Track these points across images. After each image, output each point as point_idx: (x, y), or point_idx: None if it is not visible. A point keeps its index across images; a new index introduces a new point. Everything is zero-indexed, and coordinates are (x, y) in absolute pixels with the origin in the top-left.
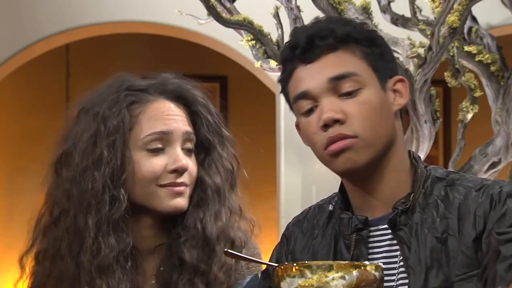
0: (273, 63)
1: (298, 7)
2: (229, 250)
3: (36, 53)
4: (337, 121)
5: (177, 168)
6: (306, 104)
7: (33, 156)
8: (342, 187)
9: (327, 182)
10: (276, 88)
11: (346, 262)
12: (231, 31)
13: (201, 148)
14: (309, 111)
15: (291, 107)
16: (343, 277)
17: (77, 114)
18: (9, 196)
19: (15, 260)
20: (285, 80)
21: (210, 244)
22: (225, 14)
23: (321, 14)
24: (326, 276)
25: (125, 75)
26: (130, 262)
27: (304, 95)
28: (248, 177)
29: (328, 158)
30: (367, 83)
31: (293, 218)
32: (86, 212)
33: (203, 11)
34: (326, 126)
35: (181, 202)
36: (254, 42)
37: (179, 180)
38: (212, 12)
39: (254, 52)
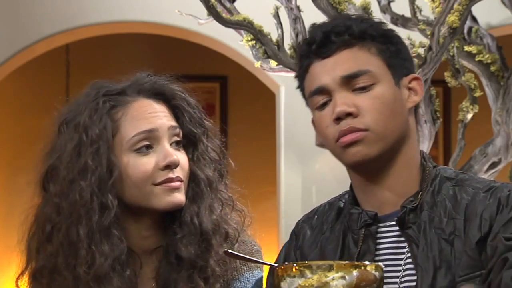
0: (273, 63)
1: (298, 7)
2: (229, 250)
3: (36, 53)
4: (349, 115)
5: (169, 164)
6: (320, 99)
7: (33, 156)
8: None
9: (327, 182)
10: (276, 88)
11: (346, 262)
12: (231, 31)
13: (188, 142)
14: (323, 105)
15: (307, 103)
16: (343, 277)
17: (58, 128)
18: (9, 196)
19: (15, 260)
20: (301, 76)
21: (207, 238)
22: (225, 14)
23: (321, 14)
24: (326, 276)
25: (100, 82)
26: (128, 269)
27: (319, 91)
28: (246, 179)
29: (340, 150)
30: (381, 79)
31: (303, 216)
32: (77, 223)
33: (203, 11)
34: (338, 119)
35: (179, 196)
36: (254, 42)
37: (173, 175)
38: (212, 12)
39: (254, 52)
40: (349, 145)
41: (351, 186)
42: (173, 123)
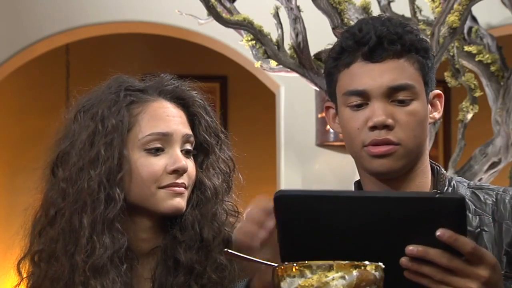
0: (273, 63)
1: (298, 7)
2: (229, 250)
3: (36, 53)
4: (386, 126)
5: (177, 169)
6: (356, 99)
7: (33, 156)
8: (359, 184)
9: (327, 182)
10: (276, 88)
11: (346, 262)
12: (231, 31)
13: (200, 150)
14: (358, 106)
15: (330, 91)
16: (343, 277)
17: (75, 115)
18: (9, 196)
19: (15, 260)
20: (337, 68)
21: (207, 246)
22: (225, 14)
23: (321, 14)
24: (326, 276)
25: (123, 76)
26: (125, 264)
27: (360, 93)
28: (246, 179)
29: (365, 156)
30: (419, 96)
31: None
32: (81, 211)
33: (203, 11)
34: (374, 128)
35: (181, 202)
36: (254, 42)
37: (179, 180)
38: (212, 12)
39: (254, 52)
40: (378, 156)
41: (359, 187)
42: (188, 131)
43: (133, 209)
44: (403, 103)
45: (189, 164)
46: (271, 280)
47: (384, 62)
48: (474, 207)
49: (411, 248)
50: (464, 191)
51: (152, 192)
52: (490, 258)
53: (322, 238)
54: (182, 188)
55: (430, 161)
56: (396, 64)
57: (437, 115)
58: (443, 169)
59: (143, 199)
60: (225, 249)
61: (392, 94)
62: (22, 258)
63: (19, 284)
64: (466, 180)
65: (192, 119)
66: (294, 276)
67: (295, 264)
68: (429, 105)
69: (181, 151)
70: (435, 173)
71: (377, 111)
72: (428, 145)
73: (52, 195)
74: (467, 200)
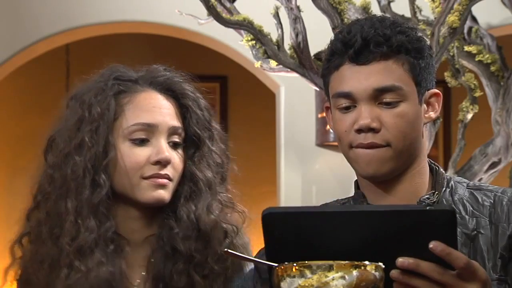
0: (273, 63)
1: (298, 7)
2: (229, 250)
3: (36, 53)
4: (371, 129)
5: (160, 160)
6: (344, 102)
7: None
8: (357, 184)
9: (327, 182)
10: (276, 88)
11: (346, 262)
12: (231, 31)
13: (191, 143)
14: (346, 108)
15: (326, 93)
16: (343, 277)
17: (67, 103)
18: (9, 196)
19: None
20: (329, 70)
21: (205, 236)
22: (225, 14)
23: (321, 14)
24: (326, 276)
25: (117, 65)
26: (113, 247)
27: (346, 95)
28: (246, 179)
29: (353, 157)
30: (408, 97)
31: None
32: (67, 196)
33: (203, 11)
34: (360, 131)
35: (163, 194)
36: (254, 42)
37: (163, 172)
38: (212, 12)
39: (254, 52)
40: (365, 158)
41: (358, 187)
42: (175, 123)
43: (118, 197)
44: (390, 105)
45: (175, 156)
46: (271, 280)
47: (370, 64)
48: (471, 208)
49: (401, 260)
50: (462, 191)
51: (135, 182)
52: (482, 273)
53: (312, 254)
54: (165, 180)
55: (429, 161)
56: (383, 66)
57: (433, 114)
58: (442, 169)
59: (126, 188)
60: (225, 249)
61: (379, 96)
62: (16, 241)
63: (10, 266)
64: (466, 180)
65: (183, 111)
66: (294, 276)
67: (295, 264)
68: (424, 105)
69: (168, 143)
70: (433, 173)
71: (363, 114)
72: (426, 145)
73: (41, 180)
74: (465, 201)
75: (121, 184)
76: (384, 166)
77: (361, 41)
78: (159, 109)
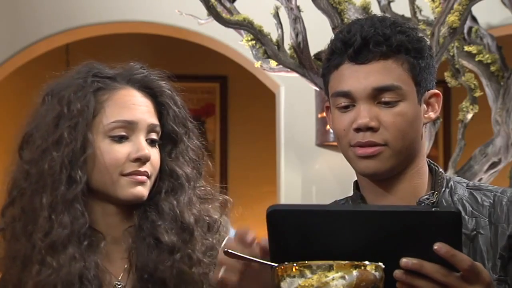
0: (273, 63)
1: (298, 7)
2: (229, 250)
3: (36, 53)
4: (370, 128)
5: (140, 157)
6: (343, 101)
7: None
8: (357, 185)
9: (327, 182)
10: (276, 88)
11: (346, 262)
12: (231, 31)
13: (168, 140)
14: (345, 107)
15: (325, 92)
16: (343, 277)
17: (43, 98)
18: None
19: None
20: (328, 69)
21: (188, 229)
22: (225, 14)
23: (321, 14)
24: (326, 276)
25: (94, 62)
26: (87, 242)
27: (345, 94)
28: (246, 179)
29: (353, 156)
30: (407, 97)
31: None
32: (42, 192)
33: (203, 11)
34: (358, 130)
35: (142, 191)
36: (254, 42)
37: (142, 169)
38: (212, 12)
39: (254, 52)
40: (364, 157)
41: (357, 187)
42: (154, 121)
43: (95, 194)
44: (389, 104)
45: (153, 153)
46: (271, 280)
47: (370, 64)
48: (471, 208)
49: (405, 261)
50: (462, 191)
51: (114, 180)
52: (485, 276)
53: (315, 252)
54: (144, 177)
55: (428, 161)
56: (382, 65)
57: (433, 115)
58: (441, 170)
59: (105, 185)
60: (225, 249)
61: (378, 95)
62: None
63: None
64: (465, 180)
65: (160, 109)
66: (294, 276)
67: (295, 264)
68: (424, 105)
69: (146, 140)
70: (433, 173)
71: (362, 113)
72: (426, 146)
73: (16, 177)
74: (465, 202)
75: (100, 181)
76: (383, 165)
77: (361, 40)
78: (138, 107)
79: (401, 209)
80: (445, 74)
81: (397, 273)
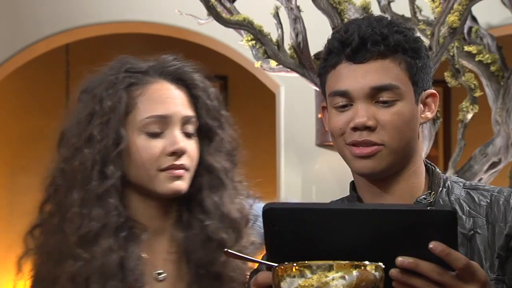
0: (273, 63)
1: (298, 7)
2: (229, 250)
3: (36, 53)
4: (367, 127)
5: (175, 150)
6: (341, 100)
7: (33, 156)
8: (353, 185)
9: (327, 182)
10: (276, 88)
11: (346, 262)
12: (231, 31)
13: (204, 133)
14: (342, 107)
15: (322, 93)
16: (343, 277)
17: (79, 96)
18: (9, 196)
19: (16, 259)
20: (325, 69)
21: (237, 226)
22: (225, 14)
23: (321, 14)
24: (326, 276)
25: (126, 57)
26: (125, 233)
27: (342, 94)
28: (246, 179)
29: (349, 156)
30: (404, 96)
31: None
32: (74, 188)
33: (203, 11)
34: (356, 129)
35: (181, 185)
36: (254, 42)
37: (178, 162)
38: (212, 12)
39: (254, 52)
40: (361, 157)
41: (354, 188)
42: (188, 112)
43: (136, 187)
44: (386, 103)
45: (190, 146)
46: (271, 280)
47: (367, 63)
48: (468, 208)
49: (401, 259)
50: (459, 191)
51: (152, 175)
52: (481, 275)
53: (311, 251)
54: (182, 170)
55: (425, 161)
56: (380, 65)
57: (430, 114)
58: (438, 169)
59: (143, 180)
60: (225, 249)
61: (375, 95)
62: (27, 233)
63: (22, 257)
64: (462, 180)
65: (195, 102)
66: (294, 276)
67: (295, 264)
68: (421, 105)
69: (182, 132)
70: (430, 173)
71: (360, 112)
72: (425, 145)
73: (53, 174)
74: (462, 201)
75: (138, 176)
76: (380, 165)
77: (358, 40)
78: (171, 100)
79: (397, 207)
80: (445, 74)
81: (393, 272)
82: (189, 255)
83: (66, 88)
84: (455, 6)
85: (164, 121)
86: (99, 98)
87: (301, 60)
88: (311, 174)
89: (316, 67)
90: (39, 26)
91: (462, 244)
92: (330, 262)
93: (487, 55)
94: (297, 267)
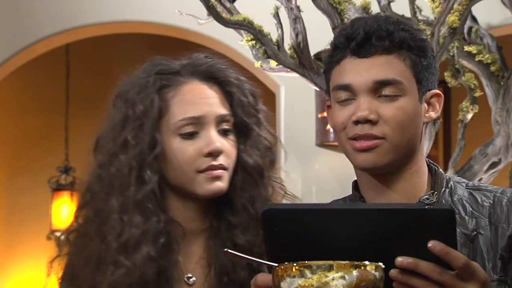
0: (273, 63)
1: (298, 7)
2: (229, 250)
3: (36, 53)
4: (369, 121)
5: (211, 151)
6: (344, 95)
7: (33, 156)
8: (356, 185)
9: (327, 182)
10: (276, 88)
11: (346, 262)
12: (231, 31)
13: (239, 130)
14: (345, 101)
15: (327, 89)
16: (343, 277)
17: (113, 101)
18: (9, 196)
19: (16, 259)
20: (330, 65)
21: None
22: (225, 14)
23: (321, 14)
24: (326, 276)
25: (158, 58)
26: (164, 240)
27: (346, 87)
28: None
29: (351, 151)
30: (408, 92)
31: None
32: (112, 194)
33: (203, 11)
34: (357, 122)
35: (220, 185)
36: (254, 42)
37: (216, 162)
38: (212, 12)
39: (254, 52)
40: (362, 150)
41: (356, 187)
42: (223, 111)
43: (175, 189)
44: (390, 98)
45: (227, 144)
46: (271, 280)
47: (372, 58)
48: (471, 209)
49: (400, 260)
50: (462, 192)
51: (191, 177)
52: (481, 274)
53: (311, 252)
54: (220, 171)
55: (428, 161)
56: (384, 60)
57: (434, 114)
58: (441, 170)
59: (183, 182)
60: (225, 249)
61: (379, 89)
62: (63, 232)
63: (56, 257)
64: (465, 180)
65: (229, 99)
66: (294, 276)
67: (295, 264)
68: (425, 104)
69: (218, 131)
70: (432, 173)
71: (362, 105)
72: (425, 145)
73: (90, 180)
74: (465, 202)
75: (177, 179)
76: (381, 159)
77: (364, 35)
78: (204, 100)
79: (396, 207)
80: (445, 74)
81: (393, 272)
82: (215, 261)
83: (66, 88)
84: (455, 6)
85: (198, 122)
86: (132, 102)
87: (301, 60)
88: (311, 174)
89: (316, 67)
90: (39, 26)
91: (464, 244)
92: (330, 262)
93: (487, 55)
94: (297, 267)
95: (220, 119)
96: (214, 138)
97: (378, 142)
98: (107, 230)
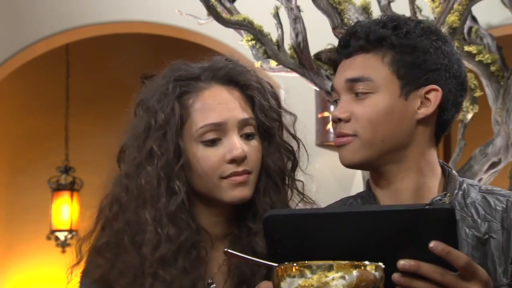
0: (273, 63)
1: (298, 7)
2: (229, 250)
3: (36, 53)
4: (341, 120)
5: (234, 157)
6: (334, 95)
7: (33, 156)
8: (368, 184)
9: (327, 182)
10: (276, 88)
11: (346, 262)
12: (231, 31)
13: (262, 133)
14: (335, 101)
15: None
16: (343, 277)
17: (135, 109)
18: (9, 196)
19: (16, 259)
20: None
21: None
22: (225, 14)
23: (321, 14)
24: (326, 276)
25: (178, 63)
26: (196, 252)
27: (332, 88)
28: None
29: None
30: (380, 89)
31: None
32: (144, 207)
33: (203, 11)
34: (334, 122)
35: (244, 191)
36: (254, 42)
37: (240, 168)
38: (212, 12)
39: (254, 52)
40: (338, 147)
41: (368, 187)
42: (244, 115)
43: (201, 197)
44: (361, 96)
45: (250, 148)
46: (271, 280)
47: (351, 57)
48: (483, 212)
49: (402, 263)
50: (475, 195)
51: (215, 184)
52: (483, 274)
53: (313, 256)
54: (244, 176)
55: (441, 162)
56: (361, 59)
57: (428, 110)
58: (454, 172)
59: (207, 189)
60: (225, 249)
61: (352, 87)
62: (83, 240)
63: (76, 264)
64: (477, 183)
65: (251, 102)
66: (294, 276)
67: (295, 264)
68: (417, 100)
69: (241, 135)
70: (446, 174)
71: (338, 105)
72: (427, 144)
73: (116, 190)
74: (477, 205)
75: (202, 186)
76: (353, 156)
77: (345, 36)
78: (225, 105)
79: (395, 208)
80: None
81: (395, 276)
82: (235, 268)
83: (66, 88)
84: (455, 6)
85: (219, 128)
86: (153, 111)
87: (301, 60)
88: (311, 174)
89: (316, 67)
90: (39, 26)
91: (476, 247)
92: (330, 262)
93: (487, 55)
94: (297, 267)
95: (243, 124)
96: (237, 144)
97: (348, 139)
98: (142, 242)
